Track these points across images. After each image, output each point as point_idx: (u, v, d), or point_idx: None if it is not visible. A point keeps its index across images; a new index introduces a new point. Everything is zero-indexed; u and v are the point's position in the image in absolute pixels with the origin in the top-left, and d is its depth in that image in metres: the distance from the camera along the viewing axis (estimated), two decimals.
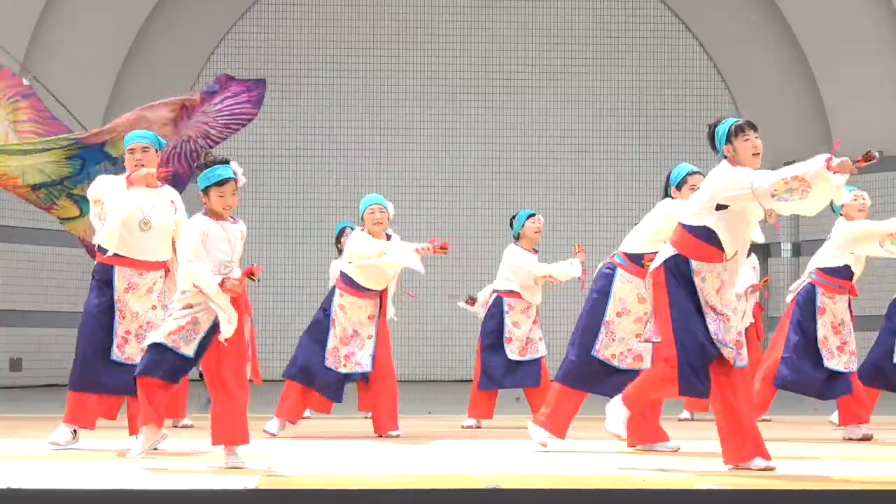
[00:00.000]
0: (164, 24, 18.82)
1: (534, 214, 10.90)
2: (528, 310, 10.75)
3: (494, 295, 10.89)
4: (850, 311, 9.85)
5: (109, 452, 7.98)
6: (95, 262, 8.30)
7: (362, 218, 9.77)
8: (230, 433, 7.12)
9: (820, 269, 9.84)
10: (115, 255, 8.15)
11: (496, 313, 10.79)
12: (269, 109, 20.00)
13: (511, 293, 10.75)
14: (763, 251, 19.83)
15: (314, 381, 9.69)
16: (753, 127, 7.10)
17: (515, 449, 8.56)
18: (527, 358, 10.68)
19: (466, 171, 19.99)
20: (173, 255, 8.27)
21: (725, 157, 7.09)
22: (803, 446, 8.99)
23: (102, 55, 18.11)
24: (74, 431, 8.25)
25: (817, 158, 6.88)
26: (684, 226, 7.06)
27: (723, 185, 6.96)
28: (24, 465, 7.21)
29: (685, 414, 11.50)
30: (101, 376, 8.18)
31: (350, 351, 9.65)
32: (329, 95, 20.04)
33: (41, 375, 17.18)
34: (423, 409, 12.79)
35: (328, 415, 10.51)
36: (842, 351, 9.70)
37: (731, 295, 7.12)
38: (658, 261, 7.09)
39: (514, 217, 11.00)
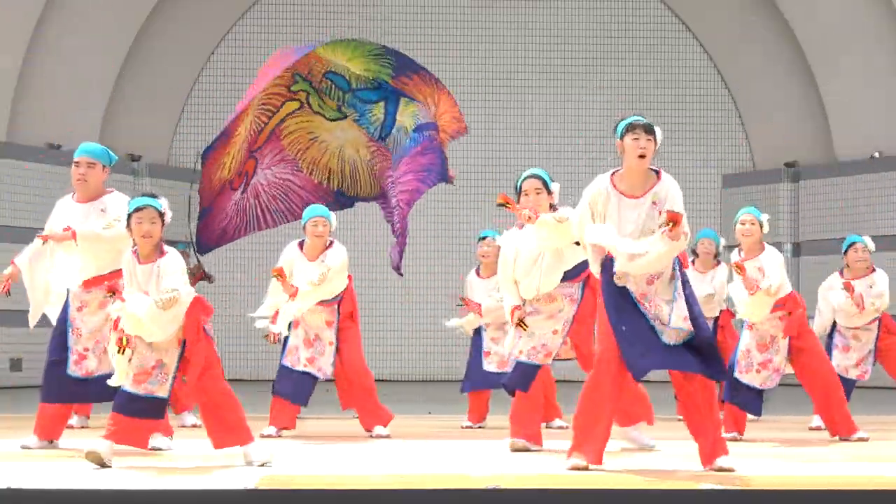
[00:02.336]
0: (164, 24, 18.82)
1: (483, 238, 10.86)
2: (504, 326, 10.67)
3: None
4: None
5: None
6: None
7: (304, 227, 9.80)
8: (234, 436, 7.21)
9: None
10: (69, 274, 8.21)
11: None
12: None
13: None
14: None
15: (275, 385, 9.77)
16: (647, 129, 6.95)
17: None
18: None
19: (466, 171, 19.98)
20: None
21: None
22: (803, 446, 8.99)
23: (102, 55, 18.10)
24: (50, 441, 8.32)
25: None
26: None
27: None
28: (24, 465, 7.21)
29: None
30: (59, 390, 8.25)
31: (311, 356, 9.74)
32: None
33: (41, 375, 17.16)
34: (423, 409, 12.78)
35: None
36: (764, 367, 9.50)
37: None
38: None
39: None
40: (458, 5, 19.98)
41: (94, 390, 8.16)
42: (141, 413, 7.19)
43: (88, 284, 8.21)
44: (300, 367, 9.74)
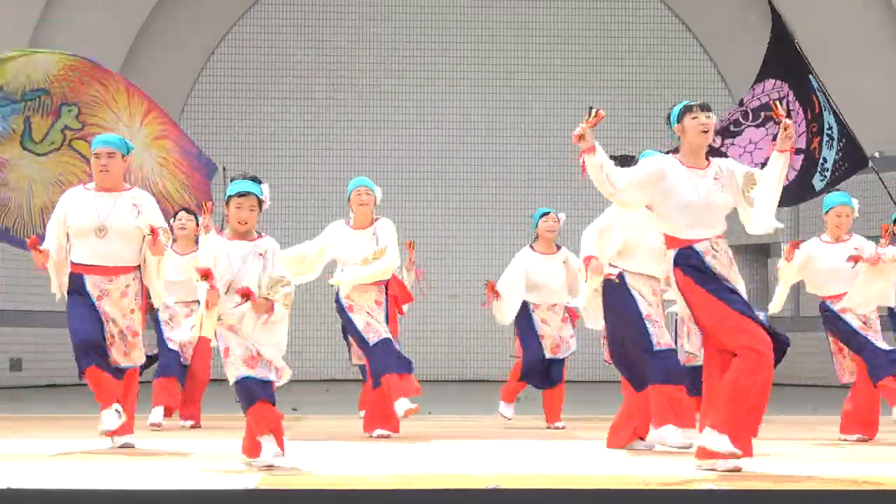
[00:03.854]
0: (164, 24, 18.83)
1: (548, 213, 10.85)
2: (553, 308, 10.69)
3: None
4: None
5: (110, 453, 7.99)
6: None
7: (349, 199, 9.63)
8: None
9: None
10: (82, 263, 8.15)
11: (522, 314, 10.71)
12: (269, 109, 20.01)
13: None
14: (763, 251, 19.84)
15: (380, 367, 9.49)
16: (703, 108, 7.18)
17: (515, 449, 8.56)
18: (558, 356, 10.66)
19: (466, 170, 19.99)
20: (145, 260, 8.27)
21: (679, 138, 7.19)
22: (804, 446, 9.00)
23: (102, 55, 18.08)
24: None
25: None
26: None
27: None
28: (24, 465, 7.21)
29: None
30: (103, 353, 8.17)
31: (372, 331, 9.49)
32: (329, 95, 20.04)
33: (41, 375, 17.18)
34: (423, 410, 12.77)
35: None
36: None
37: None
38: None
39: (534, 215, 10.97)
40: (458, 5, 19.99)
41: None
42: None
43: (108, 272, 8.21)
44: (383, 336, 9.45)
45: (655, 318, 8.25)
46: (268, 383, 7.06)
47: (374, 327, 9.41)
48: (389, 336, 9.46)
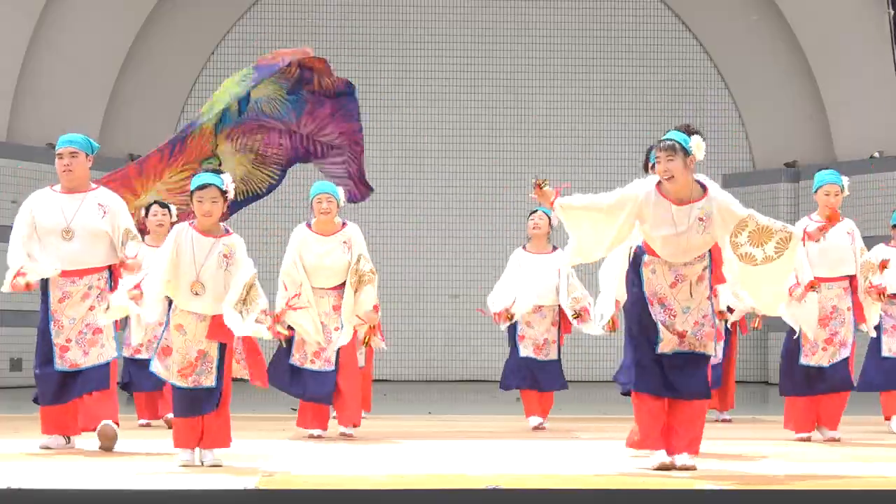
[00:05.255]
0: (164, 25, 18.82)
1: (534, 212, 10.79)
2: (540, 310, 10.60)
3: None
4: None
5: (110, 453, 7.99)
6: None
7: (311, 206, 9.52)
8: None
9: None
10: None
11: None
12: None
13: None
14: None
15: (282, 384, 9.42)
16: (664, 147, 7.05)
17: (515, 449, 8.56)
18: (539, 358, 10.56)
19: (466, 170, 19.99)
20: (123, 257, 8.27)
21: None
22: (804, 446, 8.99)
23: (102, 55, 18.11)
24: (67, 438, 8.29)
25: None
26: None
27: None
28: (24, 465, 7.21)
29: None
30: (49, 389, 8.20)
31: (318, 348, 9.36)
32: None
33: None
34: (423, 410, 12.79)
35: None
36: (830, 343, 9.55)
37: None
38: None
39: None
40: (458, 5, 19.98)
41: (82, 382, 8.15)
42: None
43: (72, 275, 8.19)
44: (308, 366, 9.35)
45: None
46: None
47: (310, 351, 9.35)
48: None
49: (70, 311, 8.14)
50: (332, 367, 9.37)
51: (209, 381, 7.21)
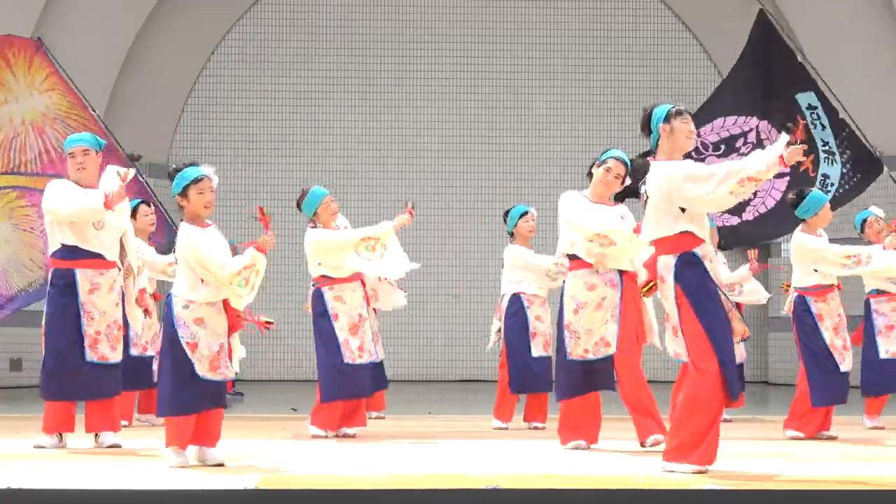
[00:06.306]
0: (164, 25, 18.82)
1: (527, 212, 10.72)
2: (545, 304, 10.56)
3: (507, 298, 10.48)
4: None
5: (110, 453, 7.99)
6: (51, 270, 8.38)
7: (316, 213, 9.70)
8: None
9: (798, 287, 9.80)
10: (74, 258, 8.23)
11: (517, 310, 10.43)
12: (269, 109, 20.01)
13: (524, 292, 10.50)
14: (763, 251, 19.83)
15: (338, 389, 9.37)
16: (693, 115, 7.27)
17: (515, 449, 8.56)
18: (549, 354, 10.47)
19: (466, 170, 19.99)
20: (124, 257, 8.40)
21: (658, 137, 7.16)
22: (803, 446, 9.00)
23: (102, 55, 18.10)
24: (60, 436, 8.31)
25: (767, 153, 6.72)
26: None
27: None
28: (24, 465, 7.21)
29: None
30: (73, 383, 8.22)
31: (359, 342, 9.41)
32: (328, 95, 20.04)
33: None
34: (423, 410, 12.79)
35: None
36: (846, 350, 9.66)
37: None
38: (666, 276, 6.93)
39: (507, 213, 10.81)
40: (458, 5, 19.99)
41: (115, 379, 8.27)
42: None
43: (101, 266, 8.30)
44: (359, 360, 9.39)
45: None
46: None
47: (354, 347, 9.41)
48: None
49: (100, 302, 8.28)
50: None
51: (230, 372, 7.27)
